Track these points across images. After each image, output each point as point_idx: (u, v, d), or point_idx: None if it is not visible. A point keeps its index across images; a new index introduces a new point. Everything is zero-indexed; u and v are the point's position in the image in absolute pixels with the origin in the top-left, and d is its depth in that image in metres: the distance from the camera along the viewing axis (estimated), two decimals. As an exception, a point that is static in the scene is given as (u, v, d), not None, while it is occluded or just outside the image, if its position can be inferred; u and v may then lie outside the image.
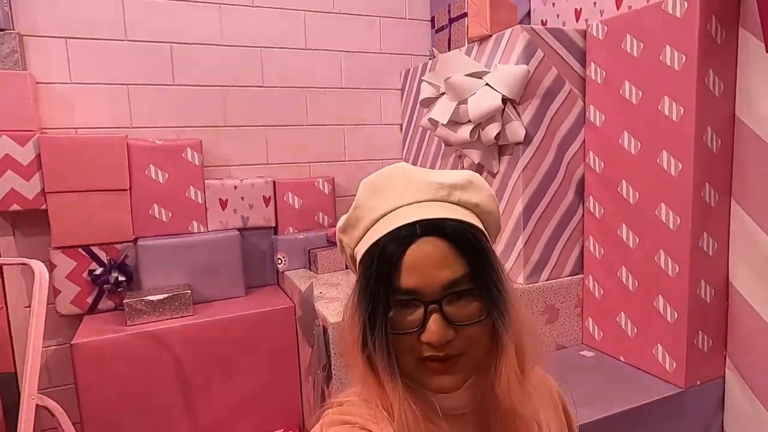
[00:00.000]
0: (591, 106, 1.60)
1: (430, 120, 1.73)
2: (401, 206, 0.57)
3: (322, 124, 2.26)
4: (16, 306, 1.86)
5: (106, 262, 1.85)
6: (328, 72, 2.25)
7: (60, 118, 1.87)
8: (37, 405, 1.23)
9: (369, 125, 2.36)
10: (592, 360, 1.62)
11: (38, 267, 1.31)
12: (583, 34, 1.62)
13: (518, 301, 0.59)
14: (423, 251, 0.54)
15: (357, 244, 0.61)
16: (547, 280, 1.67)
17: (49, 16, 1.82)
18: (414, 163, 2.27)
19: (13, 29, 1.75)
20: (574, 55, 1.61)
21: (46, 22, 1.82)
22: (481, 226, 0.60)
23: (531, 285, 1.64)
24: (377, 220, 0.58)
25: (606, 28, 1.52)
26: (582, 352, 1.68)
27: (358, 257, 0.60)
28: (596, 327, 1.67)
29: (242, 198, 2.03)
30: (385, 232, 0.56)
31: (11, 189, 1.71)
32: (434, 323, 0.53)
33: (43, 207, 1.76)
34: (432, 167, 2.12)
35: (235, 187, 2.02)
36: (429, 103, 1.78)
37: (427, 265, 0.54)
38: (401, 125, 2.42)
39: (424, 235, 0.55)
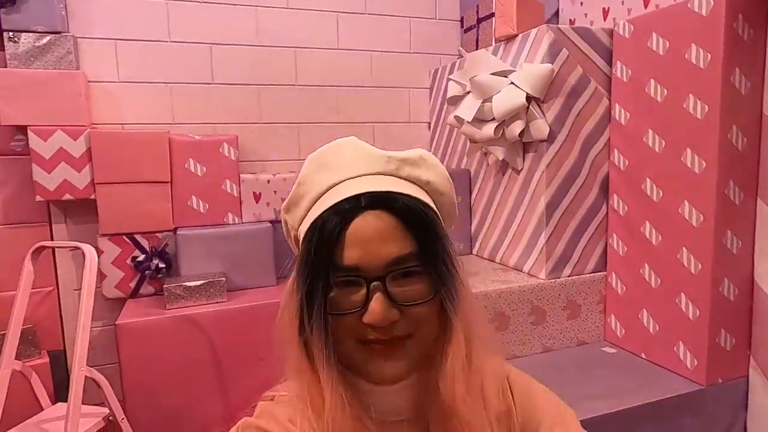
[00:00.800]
0: (616, 104, 1.61)
1: (456, 117, 1.77)
2: (346, 179, 0.53)
3: (352, 122, 2.33)
4: (67, 289, 2.00)
5: (148, 249, 1.97)
6: (358, 71, 2.32)
7: (108, 114, 2.00)
8: (85, 377, 1.34)
9: (398, 123, 2.42)
10: (614, 356, 1.64)
11: (88, 250, 1.42)
12: (610, 33, 1.63)
13: (468, 286, 0.55)
14: (367, 225, 0.50)
15: (300, 224, 0.56)
16: (569, 276, 1.69)
17: (100, 19, 1.95)
18: (441, 161, 2.31)
19: (68, 32, 1.89)
20: (600, 53, 1.63)
21: (97, 26, 1.95)
22: (432, 204, 0.55)
23: (553, 281, 1.66)
24: (321, 195, 0.54)
25: (633, 27, 1.54)
26: (603, 348, 1.69)
27: (301, 236, 0.54)
28: (618, 324, 1.68)
29: (275, 192, 2.12)
30: (328, 206, 0.51)
31: (64, 180, 1.85)
32: (377, 302, 0.49)
33: (92, 197, 1.89)
34: (459, 164, 2.17)
35: (269, 181, 2.11)
36: (456, 101, 1.82)
37: (370, 240, 0.49)
38: (429, 123, 2.46)
39: (369, 209, 0.50)
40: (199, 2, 2.06)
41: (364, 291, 0.50)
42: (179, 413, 1.77)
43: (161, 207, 1.96)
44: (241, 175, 2.07)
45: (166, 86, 2.06)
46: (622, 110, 1.59)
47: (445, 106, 2.26)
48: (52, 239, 1.96)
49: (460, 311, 0.53)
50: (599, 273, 1.72)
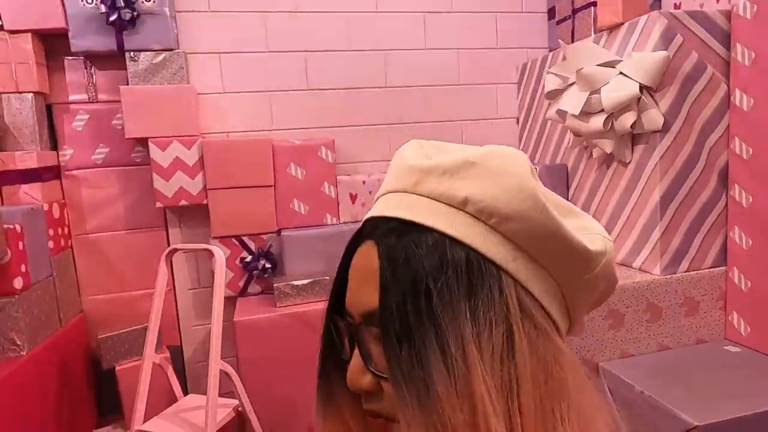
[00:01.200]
0: (737, 89, 1.53)
1: (559, 112, 1.74)
2: (379, 196, 0.44)
3: (440, 121, 2.34)
4: (182, 289, 2.15)
5: (254, 250, 2.07)
6: (446, 70, 2.33)
7: (215, 124, 2.12)
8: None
9: (485, 120, 2.41)
10: (738, 355, 1.56)
11: (217, 252, 1.52)
12: (727, 14, 1.55)
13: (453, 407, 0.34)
14: (358, 260, 0.42)
15: None
16: (686, 272, 1.62)
17: (206, 36, 2.07)
18: (532, 157, 2.29)
19: (179, 49, 2.02)
20: (716, 37, 1.55)
21: (204, 41, 2.07)
22: (477, 236, 0.37)
23: (669, 276, 1.60)
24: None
25: (756, 7, 1.45)
26: (726, 347, 1.61)
27: None
28: (742, 321, 1.59)
29: (370, 192, 2.17)
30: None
31: (180, 187, 1.98)
32: (354, 358, 0.40)
33: (204, 202, 2.01)
34: (553, 160, 2.13)
35: (363, 182, 2.17)
36: (555, 95, 1.79)
37: (356, 279, 0.41)
38: (518, 118, 2.43)
39: (367, 238, 0.41)
40: (294, 12, 2.14)
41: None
42: (292, 405, 1.86)
43: (266, 210, 2.06)
44: (337, 177, 2.14)
45: (266, 94, 2.16)
46: (744, 96, 1.51)
47: (537, 101, 2.22)
48: (168, 243, 2.11)
49: (410, 417, 0.35)
50: (718, 268, 1.64)
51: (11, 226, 1.58)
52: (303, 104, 2.20)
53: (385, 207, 0.41)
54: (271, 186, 2.05)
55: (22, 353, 1.59)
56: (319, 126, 2.22)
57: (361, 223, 0.44)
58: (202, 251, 2.04)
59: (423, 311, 0.35)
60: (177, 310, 2.15)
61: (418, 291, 0.36)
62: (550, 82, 1.80)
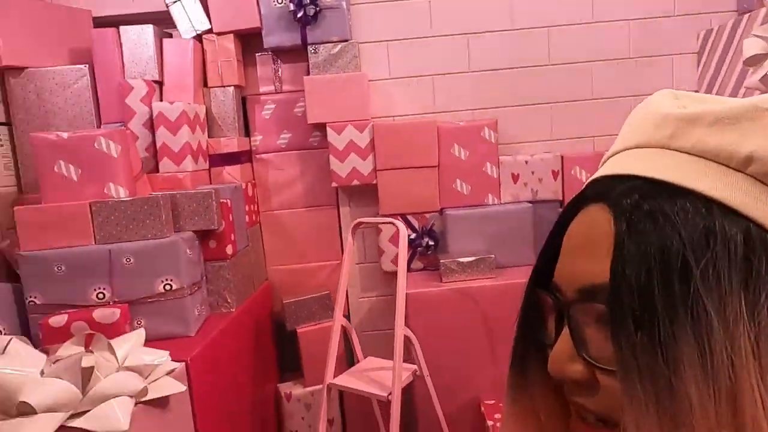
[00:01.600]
0: None
1: (763, 79, 1.57)
2: (616, 152, 0.37)
3: (609, 98, 2.23)
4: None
5: (418, 228, 2.17)
6: (614, 43, 2.21)
7: (382, 109, 2.25)
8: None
9: (658, 95, 2.24)
10: None
11: (400, 226, 1.63)
12: None
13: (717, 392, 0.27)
14: (578, 227, 0.35)
15: None
16: None
17: (376, 26, 2.20)
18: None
19: (353, 39, 2.17)
20: None
21: (374, 31, 2.20)
22: (755, 206, 0.29)
23: None
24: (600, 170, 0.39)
25: None
26: None
27: None
28: None
29: (532, 172, 2.15)
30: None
31: (353, 168, 2.14)
32: (560, 341, 0.34)
33: (374, 182, 2.15)
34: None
35: (526, 162, 2.15)
36: (758, 60, 1.62)
37: (573, 248, 0.35)
38: (697, 91, 2.23)
39: (593, 201, 0.35)
40: (457, -4, 2.18)
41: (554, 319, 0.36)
42: (457, 376, 1.93)
43: (430, 189, 2.14)
44: (500, 158, 2.15)
45: (429, 78, 2.23)
46: None
47: (722, 72, 2.02)
48: (339, 221, 2.29)
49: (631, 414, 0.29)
50: None
51: (224, 201, 1.84)
52: (466, 86, 2.23)
53: (621, 164, 0.35)
54: (435, 166, 2.13)
55: (231, 310, 1.85)
56: (482, 107, 2.24)
57: (583, 187, 0.38)
58: (374, 226, 2.18)
59: (676, 293, 0.28)
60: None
61: (670, 266, 0.28)
62: (752, 46, 1.62)
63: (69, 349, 1.33)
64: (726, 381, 0.26)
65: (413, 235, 2.17)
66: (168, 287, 1.59)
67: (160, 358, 1.27)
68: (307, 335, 2.15)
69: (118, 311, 1.49)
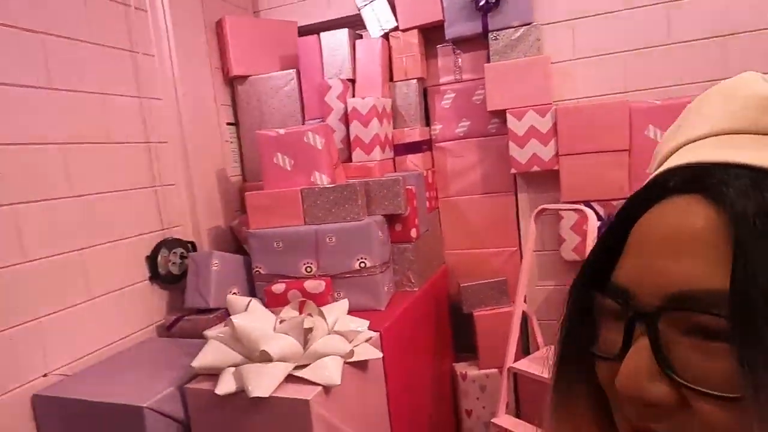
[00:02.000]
0: None
1: None
2: (693, 140, 0.32)
3: None
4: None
5: (604, 216, 2.05)
6: None
7: (564, 91, 2.16)
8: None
9: None
10: None
11: (590, 213, 1.58)
12: None
13: None
14: (663, 222, 0.30)
15: None
16: None
17: (559, 6, 2.11)
18: None
19: (535, 22, 2.12)
20: None
21: (557, 11, 2.12)
22: None
23: None
24: (661, 165, 0.34)
25: None
26: None
27: None
28: None
29: (748, 154, 1.87)
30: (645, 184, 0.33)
31: (533, 154, 2.11)
32: (633, 355, 0.29)
33: (555, 168, 2.09)
34: None
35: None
36: None
37: (658, 247, 0.29)
38: None
39: (678, 192, 0.30)
40: (656, -39, 1.98)
41: (623, 329, 0.30)
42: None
43: (618, 175, 2.01)
44: (705, 139, 1.91)
45: (619, 56, 2.08)
46: None
47: None
48: (517, 208, 2.28)
49: None
50: None
51: (409, 188, 1.97)
52: (662, 61, 2.03)
53: (711, 152, 0.30)
54: (626, 150, 1.99)
55: (414, 289, 1.99)
56: (680, 83, 2.01)
57: (651, 178, 0.33)
58: (554, 213, 2.13)
59: None
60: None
61: None
62: None
63: (288, 312, 1.57)
64: None
65: (599, 223, 2.06)
66: (363, 264, 1.77)
67: (362, 326, 1.44)
68: (483, 319, 2.20)
69: (323, 283, 1.72)
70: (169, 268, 1.84)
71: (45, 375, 1.44)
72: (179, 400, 1.33)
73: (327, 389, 1.23)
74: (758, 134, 0.30)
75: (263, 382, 1.18)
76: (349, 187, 1.78)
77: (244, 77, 2.29)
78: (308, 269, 1.81)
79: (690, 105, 0.36)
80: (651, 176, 0.34)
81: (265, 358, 1.23)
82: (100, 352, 1.61)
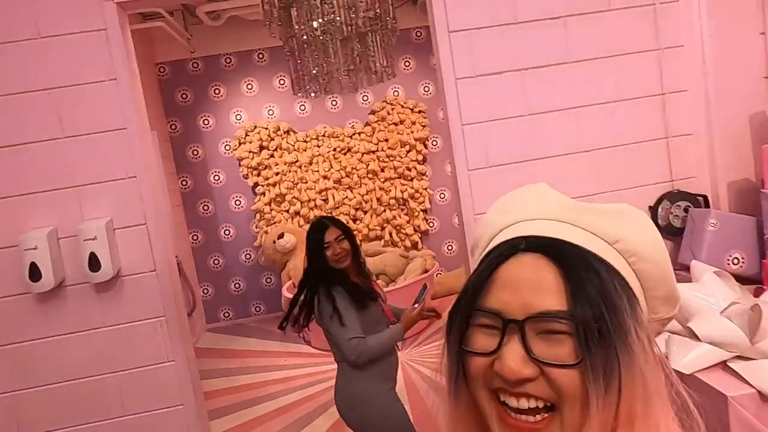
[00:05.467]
0: None
1: None
2: (519, 221, 0.52)
3: None
4: None
5: None
6: None
7: None
8: None
9: None
10: None
11: None
12: None
13: (649, 378, 0.44)
14: (521, 269, 0.47)
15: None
16: None
17: None
18: None
19: None
20: None
21: None
22: (619, 266, 0.48)
23: None
24: (494, 236, 0.53)
25: None
26: None
27: None
28: None
29: None
30: (492, 247, 0.51)
31: None
32: (509, 348, 0.44)
33: None
34: None
35: None
36: None
37: (520, 285, 0.46)
38: None
39: (527, 251, 0.48)
40: None
41: (499, 334, 0.45)
42: None
43: None
44: None
45: None
46: None
47: None
48: None
49: (609, 399, 0.43)
50: None
51: None
52: None
53: (538, 229, 0.50)
54: None
55: None
56: None
57: (502, 236, 0.52)
58: None
59: (620, 318, 0.44)
60: None
61: (609, 300, 0.45)
62: None
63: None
64: (642, 364, 0.44)
65: None
66: None
67: None
68: None
69: None
70: (670, 221, 1.86)
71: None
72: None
73: (762, 394, 1.06)
74: (566, 223, 0.50)
75: (687, 358, 1.16)
76: None
77: (812, -10, 1.79)
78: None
79: (505, 198, 0.55)
80: (489, 247, 0.52)
81: (693, 335, 1.18)
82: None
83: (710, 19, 1.81)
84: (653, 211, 1.89)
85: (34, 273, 1.62)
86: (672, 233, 1.87)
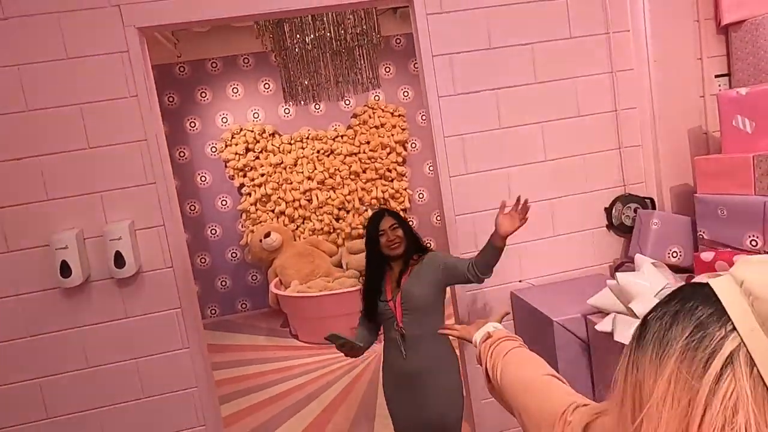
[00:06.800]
0: None
1: None
2: None
3: None
4: None
5: None
6: None
7: None
8: None
9: None
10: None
11: None
12: None
13: None
14: None
15: None
16: None
17: None
18: None
19: None
20: None
21: None
22: None
23: None
24: None
25: None
26: None
27: None
28: None
29: None
30: None
31: None
32: None
33: None
34: None
35: None
36: None
37: None
38: None
39: None
40: None
41: None
42: None
43: None
44: None
45: None
46: None
47: None
48: None
49: None
50: None
51: None
52: None
53: None
54: None
55: None
56: None
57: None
58: None
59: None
60: None
61: None
62: None
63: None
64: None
65: None
66: (820, 250, 1.50)
67: None
68: None
69: (756, 261, 1.59)
70: (622, 220, 2.16)
71: (520, 281, 2.17)
72: (584, 324, 1.75)
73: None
74: None
75: (628, 332, 1.44)
76: (811, 157, 1.50)
77: (738, 23, 2.11)
78: (753, 243, 1.69)
79: None
80: None
81: (633, 314, 1.47)
82: (561, 274, 2.20)
83: (655, 46, 2.11)
84: (608, 212, 2.18)
85: (65, 270, 1.81)
86: (624, 231, 2.17)
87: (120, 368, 1.96)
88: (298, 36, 2.87)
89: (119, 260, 1.84)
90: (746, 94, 1.74)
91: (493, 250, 1.69)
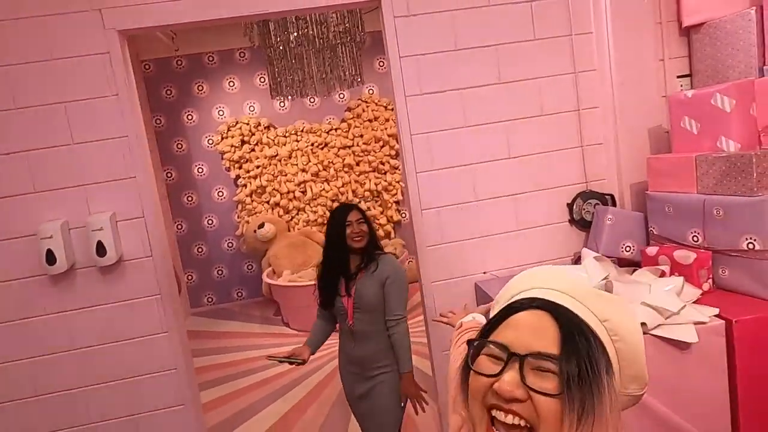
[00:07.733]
0: None
1: None
2: (538, 288, 0.69)
3: None
4: None
5: None
6: None
7: None
8: None
9: None
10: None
11: None
12: None
13: (610, 421, 0.60)
14: (530, 318, 0.64)
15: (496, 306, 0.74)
16: None
17: None
18: None
19: None
20: None
21: None
22: (604, 337, 0.64)
23: None
24: (513, 296, 0.72)
25: None
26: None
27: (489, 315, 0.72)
28: None
29: None
30: (512, 301, 0.69)
31: None
32: (509, 374, 0.60)
33: None
34: None
35: None
36: None
37: (526, 329, 0.63)
38: None
39: (535, 309, 0.65)
40: None
41: (503, 362, 0.61)
42: None
43: None
44: None
45: None
46: None
47: None
48: None
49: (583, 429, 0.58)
50: None
51: None
52: None
53: (546, 295, 0.67)
54: None
55: None
56: None
57: (522, 295, 0.70)
58: None
59: (596, 371, 0.60)
60: None
61: (592, 359, 0.61)
62: None
63: (643, 275, 1.73)
64: (607, 411, 0.60)
65: None
66: (751, 246, 1.59)
67: (707, 313, 1.45)
68: None
69: (693, 255, 1.69)
70: (583, 215, 2.25)
71: (484, 273, 2.27)
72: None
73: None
74: (569, 296, 0.67)
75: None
76: (743, 158, 1.58)
77: (698, 25, 2.18)
78: (695, 239, 1.78)
79: (534, 270, 0.74)
80: (512, 299, 0.71)
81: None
82: (524, 267, 2.29)
83: (617, 47, 2.19)
84: (570, 207, 2.27)
85: (50, 258, 1.94)
86: (584, 226, 2.26)
87: (103, 350, 2.09)
88: (283, 34, 2.96)
89: (101, 249, 1.97)
90: (692, 97, 1.82)
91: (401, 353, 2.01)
